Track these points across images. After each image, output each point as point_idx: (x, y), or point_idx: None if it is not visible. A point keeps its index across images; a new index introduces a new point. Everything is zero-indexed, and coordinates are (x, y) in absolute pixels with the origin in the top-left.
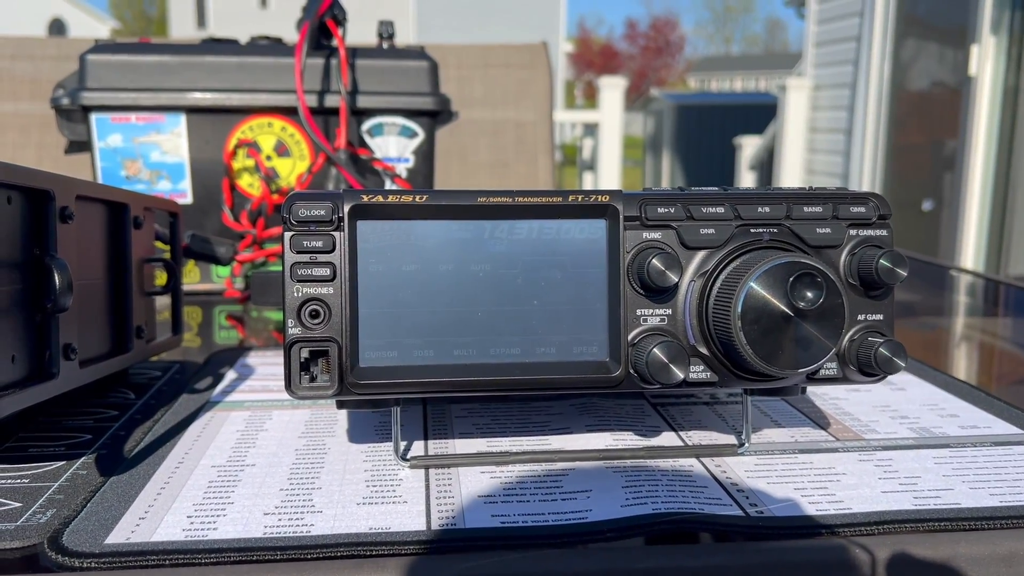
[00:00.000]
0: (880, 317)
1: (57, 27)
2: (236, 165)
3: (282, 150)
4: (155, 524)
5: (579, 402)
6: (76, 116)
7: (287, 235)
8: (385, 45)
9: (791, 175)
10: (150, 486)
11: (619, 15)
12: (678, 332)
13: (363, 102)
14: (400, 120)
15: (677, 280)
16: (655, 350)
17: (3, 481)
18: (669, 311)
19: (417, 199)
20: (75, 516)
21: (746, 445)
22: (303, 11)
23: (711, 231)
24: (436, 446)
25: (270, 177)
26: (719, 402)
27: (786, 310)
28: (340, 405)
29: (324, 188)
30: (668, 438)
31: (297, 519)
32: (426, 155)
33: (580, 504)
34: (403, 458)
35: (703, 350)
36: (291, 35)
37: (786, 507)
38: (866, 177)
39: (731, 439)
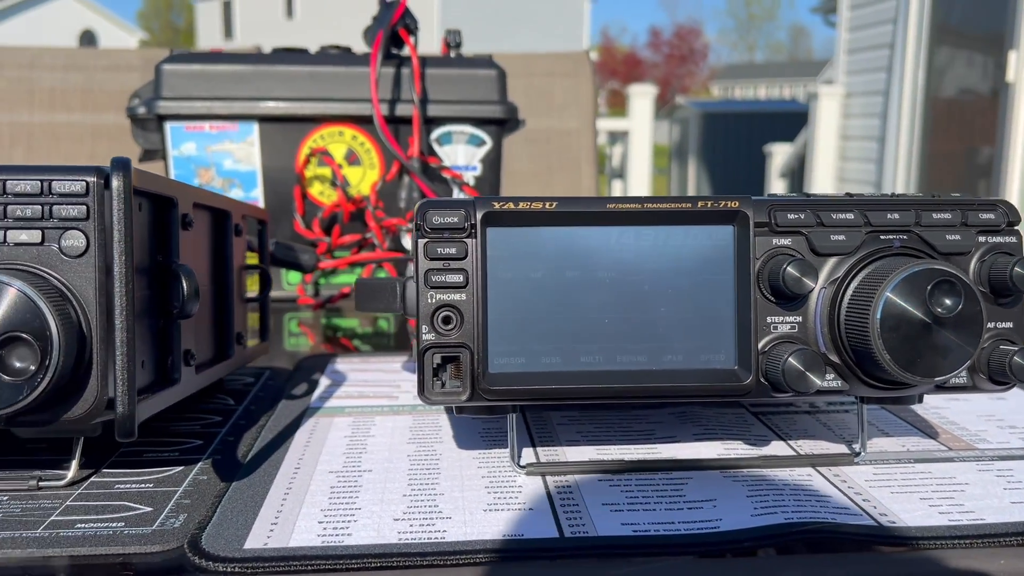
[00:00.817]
0: (1010, 324)
1: (88, 38)
2: (308, 173)
3: (352, 159)
4: (289, 530)
5: (678, 410)
6: (151, 125)
7: (421, 242)
8: (453, 54)
9: (823, 183)
10: (274, 491)
11: (643, 23)
12: (808, 340)
13: (432, 111)
14: (468, 128)
15: (813, 287)
16: (791, 358)
17: (129, 485)
18: (799, 319)
19: (547, 206)
20: (208, 521)
21: (862, 454)
22: (374, 20)
23: (842, 237)
24: (546, 454)
25: (345, 185)
26: (820, 411)
27: (925, 318)
28: (458, 411)
29: (397, 196)
30: (779, 447)
31: (428, 525)
32: (493, 163)
33: (708, 513)
34: (519, 465)
35: (834, 358)
36: (316, 45)
37: (917, 516)
38: (900, 185)
39: (842, 448)
